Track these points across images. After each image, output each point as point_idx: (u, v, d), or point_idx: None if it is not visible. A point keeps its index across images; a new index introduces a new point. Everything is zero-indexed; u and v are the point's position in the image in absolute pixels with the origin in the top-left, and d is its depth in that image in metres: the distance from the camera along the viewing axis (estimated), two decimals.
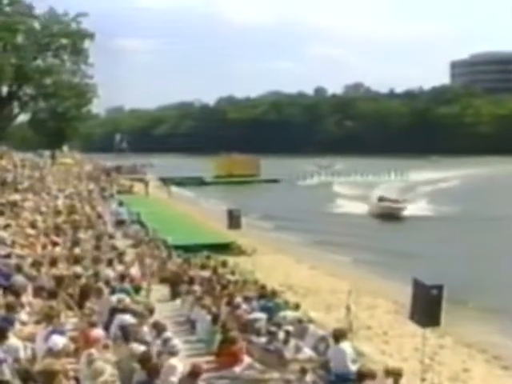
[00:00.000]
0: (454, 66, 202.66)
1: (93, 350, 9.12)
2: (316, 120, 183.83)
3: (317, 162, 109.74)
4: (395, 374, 10.52)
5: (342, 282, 24.44)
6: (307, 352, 12.60)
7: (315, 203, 58.05)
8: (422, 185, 72.33)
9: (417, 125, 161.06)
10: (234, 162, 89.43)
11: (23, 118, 74.90)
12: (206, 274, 20.17)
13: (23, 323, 11.03)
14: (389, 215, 48.48)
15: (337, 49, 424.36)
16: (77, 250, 20.03)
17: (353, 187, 71.03)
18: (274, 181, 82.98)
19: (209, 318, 14.51)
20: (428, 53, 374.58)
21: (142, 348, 10.21)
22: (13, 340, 9.33)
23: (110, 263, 17.87)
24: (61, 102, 67.80)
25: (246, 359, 12.63)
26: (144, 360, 9.37)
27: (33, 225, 23.84)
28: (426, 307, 12.05)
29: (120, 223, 33.90)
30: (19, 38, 60.87)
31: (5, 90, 63.01)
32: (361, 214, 51.42)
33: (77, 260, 18.01)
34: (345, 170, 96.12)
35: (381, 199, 52.85)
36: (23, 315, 11.45)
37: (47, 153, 79.04)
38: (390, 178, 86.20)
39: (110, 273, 16.81)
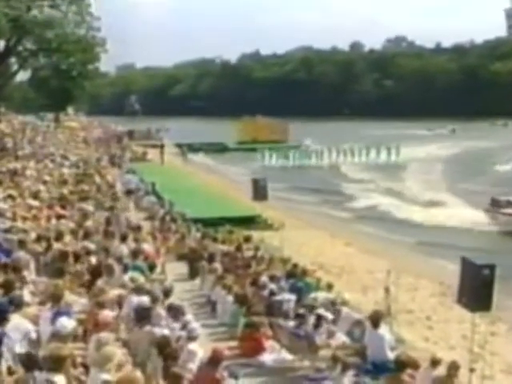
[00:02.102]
0: (510, 15, 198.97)
1: (102, 334, 9.20)
2: (352, 79, 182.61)
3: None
4: (452, 369, 10.51)
5: (381, 261, 24.33)
6: (341, 338, 12.64)
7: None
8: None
9: (467, 84, 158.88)
10: (259, 126, 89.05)
11: (23, 76, 74.95)
12: (228, 248, 20.29)
13: (26, 304, 11.15)
14: None
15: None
16: (85, 224, 20.21)
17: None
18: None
19: (231, 299, 14.59)
20: (480, 1, 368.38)
21: (160, 332, 10.33)
22: (19, 320, 9.47)
23: (123, 239, 18.02)
24: (65, 58, 67.67)
25: (273, 345, 12.72)
26: (162, 345, 9.48)
27: (35, 196, 24.07)
28: (476, 289, 11.93)
29: (130, 193, 34.10)
30: None
31: (1, 44, 63.03)
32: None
33: (86, 234, 18.18)
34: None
35: None
36: (26, 295, 11.57)
37: (50, 115, 79.39)
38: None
39: (122, 249, 16.98)
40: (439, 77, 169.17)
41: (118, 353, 8.17)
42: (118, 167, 45.60)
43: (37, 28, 62.09)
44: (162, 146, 60.94)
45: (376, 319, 11.81)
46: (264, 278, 15.87)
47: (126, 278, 13.73)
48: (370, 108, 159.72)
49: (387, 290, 15.66)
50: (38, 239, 16.46)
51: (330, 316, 13.24)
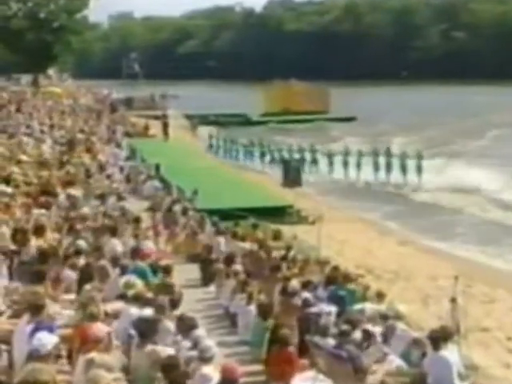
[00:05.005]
0: None
1: (93, 354, 9.26)
2: (410, 32, 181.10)
3: None
4: None
5: (445, 264, 24.32)
6: (394, 361, 12.64)
7: None
8: None
9: None
10: (292, 93, 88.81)
11: None
12: (251, 247, 20.37)
13: None
14: None
15: None
16: (72, 215, 20.35)
17: None
18: (349, 119, 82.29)
19: (255, 310, 14.64)
20: None
21: (165, 351, 10.41)
22: None
23: (114, 233, 18.17)
24: (43, 6, 67.32)
25: (308, 370, 12.76)
26: (169, 367, 9.55)
27: (8, 180, 24.23)
28: None
29: (128, 177, 34.34)
30: None
31: None
32: None
33: (72, 229, 18.33)
34: None
35: None
36: None
37: (26, 78, 79.62)
38: None
39: (117, 246, 17.11)
40: None
41: (108, 377, 8.24)
42: (114, 144, 45.76)
43: None
44: (164, 117, 60.60)
45: (440, 338, 11.78)
46: (296, 285, 15.90)
47: (122, 282, 13.83)
48: (434, 69, 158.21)
49: (454, 301, 15.62)
50: (12, 235, 16.58)
51: (379, 331, 13.25)
